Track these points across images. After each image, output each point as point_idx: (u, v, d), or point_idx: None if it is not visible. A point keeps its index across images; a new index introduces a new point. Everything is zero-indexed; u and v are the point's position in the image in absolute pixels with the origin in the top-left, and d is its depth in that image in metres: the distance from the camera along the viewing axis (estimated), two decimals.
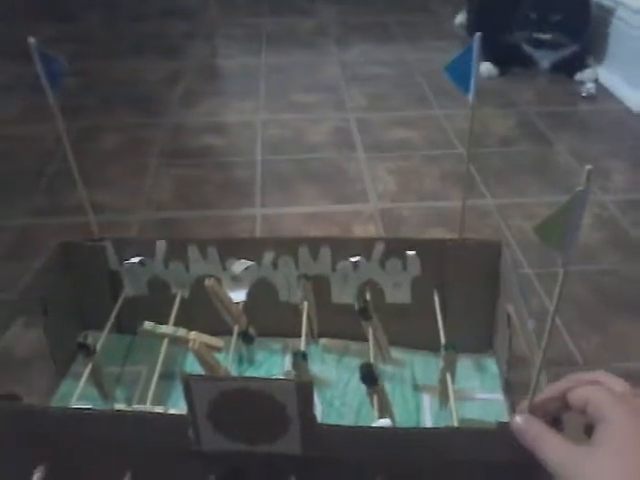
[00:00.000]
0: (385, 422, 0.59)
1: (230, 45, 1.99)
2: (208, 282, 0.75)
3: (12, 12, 2.23)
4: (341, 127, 1.45)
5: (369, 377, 0.62)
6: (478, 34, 0.62)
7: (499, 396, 0.75)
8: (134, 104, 1.57)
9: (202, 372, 0.69)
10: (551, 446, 0.44)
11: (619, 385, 0.46)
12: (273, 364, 0.79)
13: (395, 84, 1.67)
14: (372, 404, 0.64)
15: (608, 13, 1.63)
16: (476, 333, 0.79)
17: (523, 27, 1.62)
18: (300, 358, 0.65)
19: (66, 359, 0.79)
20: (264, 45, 1.95)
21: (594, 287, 0.94)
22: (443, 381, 0.68)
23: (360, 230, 1.08)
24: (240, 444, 0.53)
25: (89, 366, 0.70)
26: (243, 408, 0.51)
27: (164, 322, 0.76)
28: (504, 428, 0.50)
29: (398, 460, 0.53)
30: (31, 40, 0.61)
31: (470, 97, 0.66)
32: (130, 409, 0.66)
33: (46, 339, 0.76)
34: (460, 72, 0.65)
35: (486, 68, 1.66)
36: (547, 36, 1.60)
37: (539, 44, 1.62)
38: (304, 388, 0.49)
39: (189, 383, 0.50)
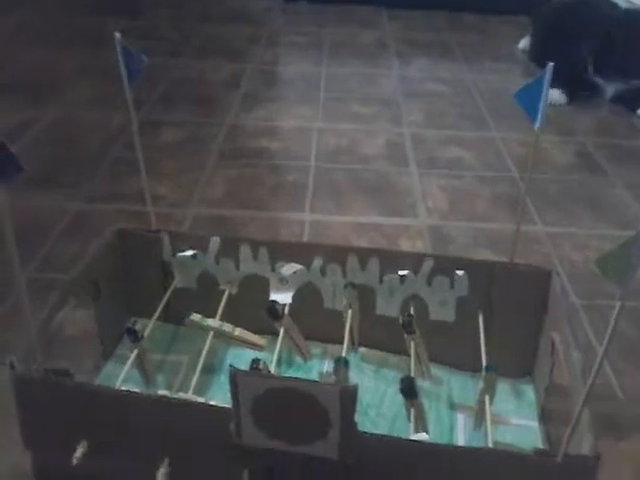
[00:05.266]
0: (423, 436, 0.59)
1: (292, 52, 2.02)
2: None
3: (85, 6, 2.31)
4: (396, 141, 1.45)
5: (409, 390, 0.62)
6: (551, 64, 0.62)
7: (534, 423, 0.74)
8: (195, 103, 1.61)
9: (243, 368, 0.70)
10: None
11: None
12: (311, 368, 0.80)
13: (452, 103, 1.67)
14: (409, 417, 0.65)
15: None
16: (516, 358, 0.78)
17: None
18: (342, 364, 0.66)
19: (112, 342, 0.82)
20: (326, 54, 1.98)
21: None
22: (481, 402, 0.68)
23: (407, 244, 1.08)
24: (279, 442, 0.54)
25: (135, 351, 0.73)
26: (286, 408, 0.52)
27: (210, 316, 0.78)
28: (540, 455, 0.50)
29: (433, 475, 0.53)
30: (117, 35, 0.63)
31: (537, 125, 0.66)
32: (174, 396, 0.68)
33: (95, 321, 0.79)
34: (529, 99, 0.65)
35: (555, 95, 1.64)
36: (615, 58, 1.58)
37: (607, 71, 1.61)
38: (348, 394, 0.50)
39: (236, 377, 0.51)
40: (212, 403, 0.66)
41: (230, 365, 0.51)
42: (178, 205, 1.18)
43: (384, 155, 1.39)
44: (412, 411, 0.64)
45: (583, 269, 1.04)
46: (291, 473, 0.56)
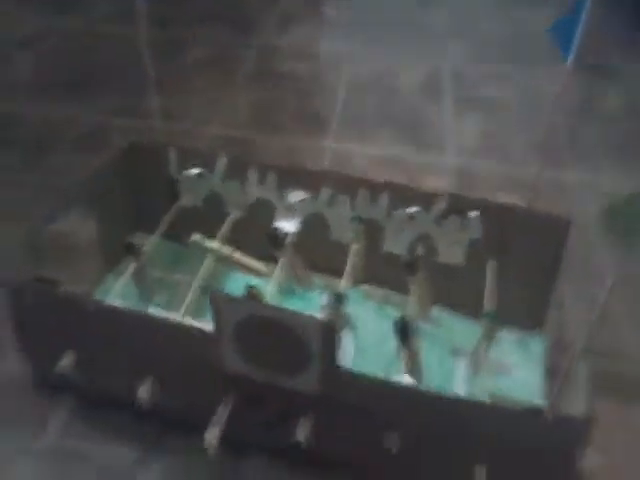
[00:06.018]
0: (407, 379, 0.57)
1: None
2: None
3: None
4: (434, 74, 1.38)
5: (403, 332, 0.60)
6: None
7: (537, 378, 0.72)
8: (228, 20, 1.54)
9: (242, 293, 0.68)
10: None
11: None
12: (312, 299, 0.78)
13: (498, 40, 1.57)
14: (400, 359, 0.62)
15: None
16: (527, 309, 0.75)
17: None
18: (336, 300, 0.64)
19: (115, 256, 0.81)
20: None
21: None
22: (478, 349, 0.65)
23: (429, 182, 1.04)
24: (260, 372, 0.52)
25: (133, 266, 0.71)
26: (268, 337, 0.50)
27: (214, 237, 0.76)
28: (535, 412, 0.48)
29: (411, 419, 0.51)
30: None
31: (569, 60, 0.60)
32: (164, 315, 0.66)
33: (99, 234, 0.78)
34: (565, 32, 0.59)
35: None
36: None
37: None
38: (329, 329, 0.48)
39: (217, 300, 0.49)
40: (206, 326, 0.65)
41: (214, 288, 0.49)
42: (198, 124, 1.14)
43: (420, 88, 1.32)
44: (405, 353, 0.62)
45: None
46: (272, 402, 0.55)
